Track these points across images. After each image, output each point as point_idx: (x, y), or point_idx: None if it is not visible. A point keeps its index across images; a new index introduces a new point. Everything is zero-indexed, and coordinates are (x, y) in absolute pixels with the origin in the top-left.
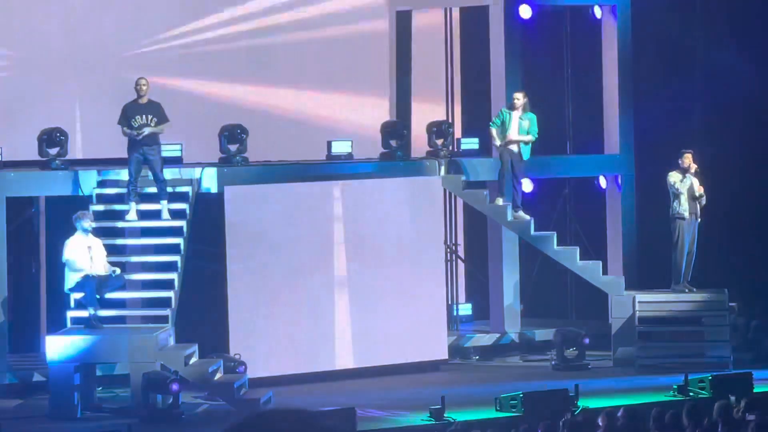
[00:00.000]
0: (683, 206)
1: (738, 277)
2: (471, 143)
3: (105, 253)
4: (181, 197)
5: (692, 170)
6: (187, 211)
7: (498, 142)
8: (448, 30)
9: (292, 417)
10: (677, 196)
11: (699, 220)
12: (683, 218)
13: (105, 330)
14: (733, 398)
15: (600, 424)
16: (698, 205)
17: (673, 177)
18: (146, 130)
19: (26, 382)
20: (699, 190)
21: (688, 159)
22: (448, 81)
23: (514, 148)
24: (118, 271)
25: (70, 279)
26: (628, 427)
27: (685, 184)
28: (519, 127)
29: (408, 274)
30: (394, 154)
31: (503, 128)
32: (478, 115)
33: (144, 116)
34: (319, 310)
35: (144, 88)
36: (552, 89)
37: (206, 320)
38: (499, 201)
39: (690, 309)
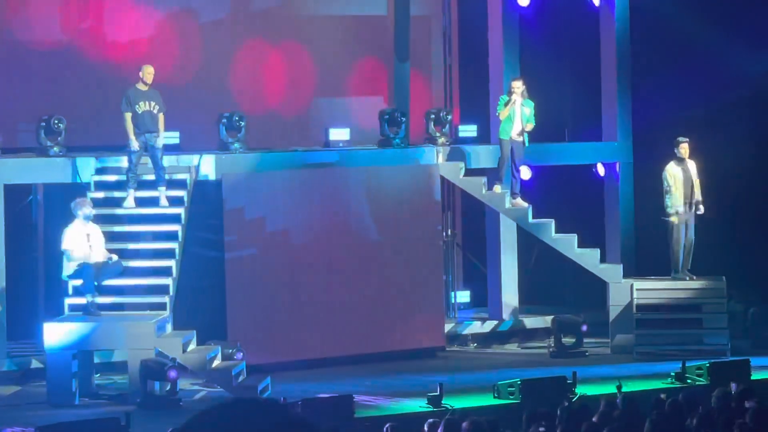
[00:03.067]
0: (677, 201)
1: (736, 265)
2: (469, 130)
3: (104, 240)
4: (180, 184)
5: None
6: (185, 199)
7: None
8: (447, 16)
9: (261, 408)
10: (670, 191)
11: (695, 209)
12: (677, 213)
13: (103, 317)
14: (734, 385)
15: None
16: (694, 195)
17: (670, 171)
18: (159, 143)
19: (24, 369)
20: (697, 193)
21: (684, 148)
22: (446, 68)
23: (516, 136)
24: (114, 257)
25: (68, 266)
26: (625, 414)
27: (681, 178)
28: (522, 114)
29: (406, 261)
30: (392, 142)
31: (509, 118)
32: (476, 102)
33: (147, 102)
34: (317, 297)
35: (152, 76)
36: (550, 77)
37: (204, 307)
38: (498, 188)
39: (688, 296)
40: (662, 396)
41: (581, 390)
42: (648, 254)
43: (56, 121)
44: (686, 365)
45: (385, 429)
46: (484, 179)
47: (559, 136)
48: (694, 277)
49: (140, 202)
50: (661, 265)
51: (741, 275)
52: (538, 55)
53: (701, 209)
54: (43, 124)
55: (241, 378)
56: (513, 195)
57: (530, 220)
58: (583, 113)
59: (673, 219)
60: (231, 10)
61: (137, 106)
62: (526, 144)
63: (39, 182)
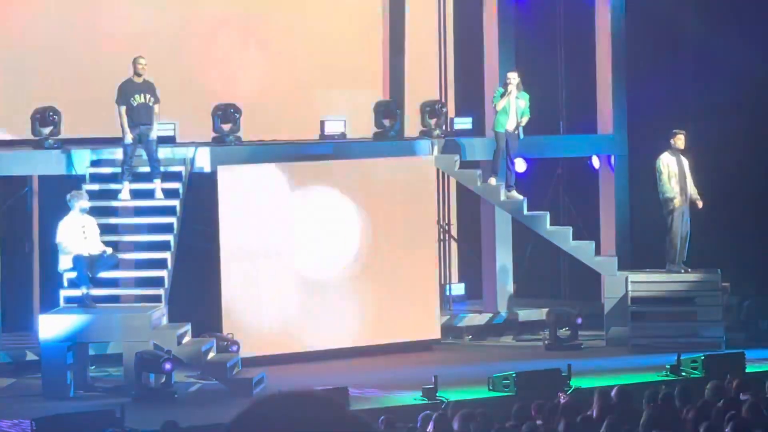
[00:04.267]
0: (674, 189)
1: (731, 258)
2: (464, 123)
3: (98, 231)
4: (175, 176)
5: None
6: (181, 191)
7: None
8: (442, 8)
9: (317, 403)
10: (668, 179)
11: (689, 200)
12: (675, 201)
13: (98, 309)
14: (730, 378)
15: (595, 400)
16: (689, 188)
17: (664, 161)
18: (153, 135)
19: (19, 361)
20: (692, 188)
21: (680, 140)
22: (442, 60)
23: (512, 128)
24: (109, 251)
25: (64, 259)
26: (620, 407)
27: (676, 169)
28: (517, 107)
29: (401, 254)
30: (387, 134)
31: (504, 110)
32: (471, 94)
33: (142, 95)
34: (312, 289)
35: (144, 67)
36: (545, 69)
37: (199, 299)
38: (493, 181)
39: (683, 289)
40: (662, 387)
41: (576, 383)
42: (643, 247)
43: (51, 113)
44: (681, 358)
45: (379, 421)
46: (479, 171)
47: (554, 128)
48: (689, 270)
49: (135, 194)
50: (656, 257)
51: (736, 268)
52: (534, 48)
53: (700, 204)
54: (38, 116)
55: (236, 370)
56: (508, 187)
57: (525, 212)
58: (578, 106)
59: (676, 202)
60: (226, 1)
61: (132, 99)
62: (521, 136)
63: (34, 174)
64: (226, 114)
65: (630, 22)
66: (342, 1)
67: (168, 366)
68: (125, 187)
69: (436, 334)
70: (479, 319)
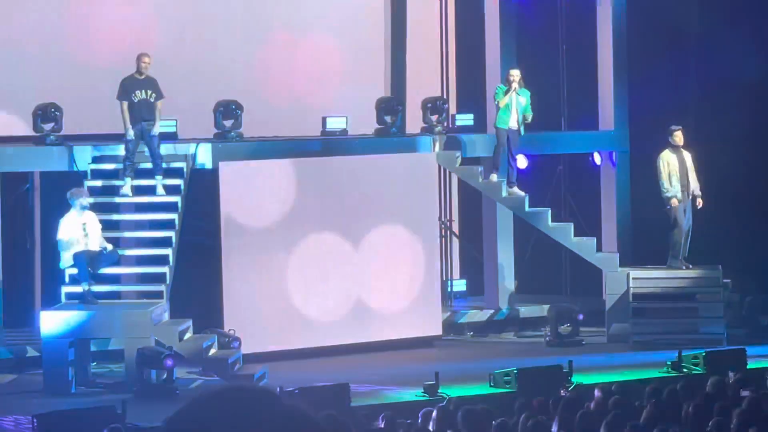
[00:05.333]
0: (675, 186)
1: (732, 254)
2: (466, 119)
3: (100, 227)
4: (176, 173)
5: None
6: (182, 187)
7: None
8: (444, 5)
9: (254, 396)
10: (669, 176)
11: (691, 196)
12: (677, 198)
13: (99, 305)
14: (731, 374)
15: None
16: (690, 184)
17: (665, 158)
18: (155, 131)
19: (20, 357)
20: (693, 184)
21: (678, 136)
22: (443, 57)
23: (513, 125)
24: (109, 247)
25: (65, 256)
26: (621, 403)
27: (677, 166)
28: (518, 103)
29: (402, 250)
30: (389, 130)
31: (506, 107)
32: (472, 91)
33: (143, 91)
34: (313, 285)
35: (147, 65)
36: (547, 65)
37: (200, 296)
38: (494, 177)
39: (684, 285)
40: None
41: (577, 379)
42: (644, 243)
43: (53, 109)
44: (682, 354)
45: (380, 418)
46: (480, 168)
47: (556, 124)
48: (691, 266)
49: (137, 190)
50: (658, 253)
51: (737, 264)
52: (535, 44)
53: (700, 202)
54: (40, 112)
55: (237, 367)
56: (510, 184)
57: (527, 208)
58: (579, 102)
59: (674, 202)
60: None
61: (133, 95)
62: (522, 133)
63: (35, 170)
64: (228, 110)
65: (631, 18)
66: None
67: (169, 362)
68: (127, 183)
69: (438, 331)
70: (480, 315)
